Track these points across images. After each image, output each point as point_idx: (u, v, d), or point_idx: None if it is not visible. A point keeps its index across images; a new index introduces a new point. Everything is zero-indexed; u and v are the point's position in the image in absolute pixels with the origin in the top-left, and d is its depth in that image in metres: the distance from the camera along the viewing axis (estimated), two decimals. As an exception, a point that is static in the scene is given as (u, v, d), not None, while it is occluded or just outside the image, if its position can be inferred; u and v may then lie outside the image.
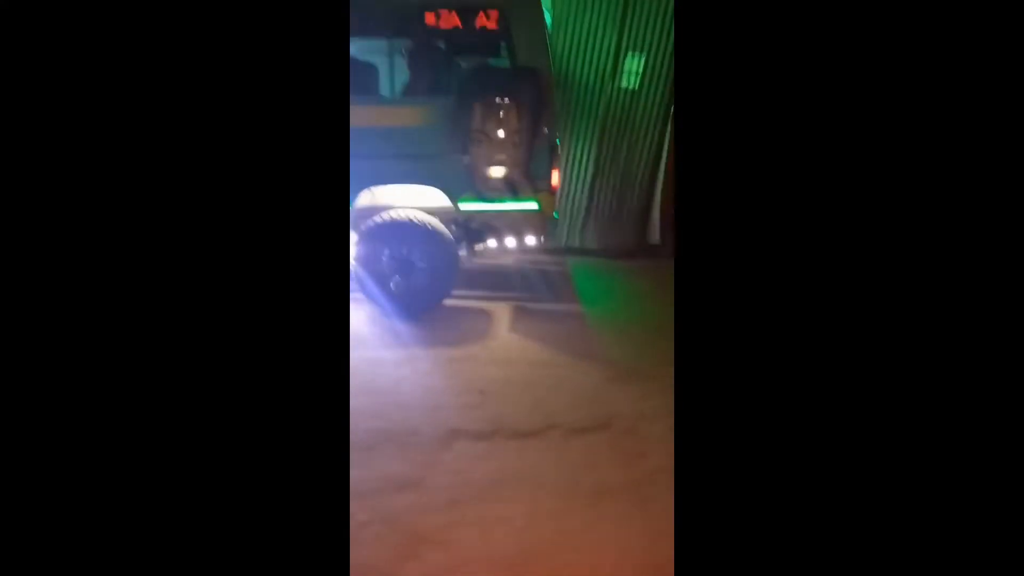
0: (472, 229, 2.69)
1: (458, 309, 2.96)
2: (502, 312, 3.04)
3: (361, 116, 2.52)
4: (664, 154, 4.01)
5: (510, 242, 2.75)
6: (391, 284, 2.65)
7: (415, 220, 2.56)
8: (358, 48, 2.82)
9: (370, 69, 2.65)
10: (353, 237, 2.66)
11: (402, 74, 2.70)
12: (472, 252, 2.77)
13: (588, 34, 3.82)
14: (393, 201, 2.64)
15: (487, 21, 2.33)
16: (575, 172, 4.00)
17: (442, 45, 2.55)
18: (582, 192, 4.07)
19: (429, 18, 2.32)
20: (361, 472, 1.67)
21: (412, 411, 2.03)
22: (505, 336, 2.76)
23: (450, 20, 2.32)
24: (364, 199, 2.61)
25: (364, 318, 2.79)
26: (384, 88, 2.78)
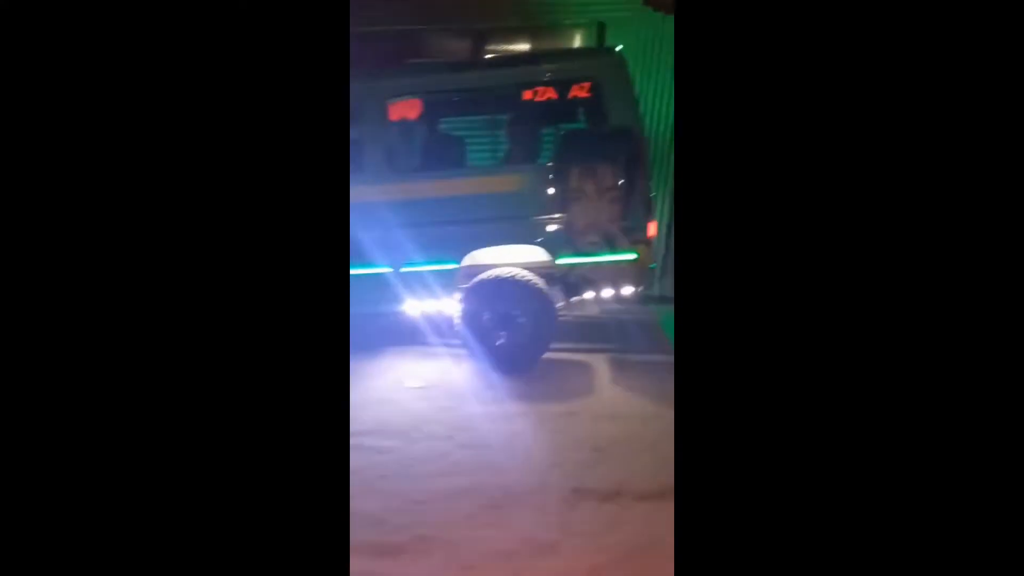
0: (570, 283, 2.76)
1: (558, 362, 2.98)
2: (600, 364, 3.03)
3: (466, 185, 2.75)
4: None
5: (607, 293, 2.79)
6: (496, 340, 2.74)
7: (515, 277, 2.67)
8: (452, 124, 3.11)
9: (459, 142, 2.89)
10: (457, 296, 2.81)
11: (501, 144, 2.93)
12: (569, 305, 2.83)
13: (657, 92, 3.98)
14: (494, 260, 2.79)
15: (580, 91, 2.51)
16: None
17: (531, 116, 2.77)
18: (661, 242, 4.08)
19: (527, 94, 2.54)
20: (496, 532, 1.68)
21: (531, 468, 2.03)
22: (608, 389, 2.73)
23: (546, 94, 2.52)
24: (468, 260, 2.77)
25: (467, 373, 2.88)
26: (485, 159, 3.01)
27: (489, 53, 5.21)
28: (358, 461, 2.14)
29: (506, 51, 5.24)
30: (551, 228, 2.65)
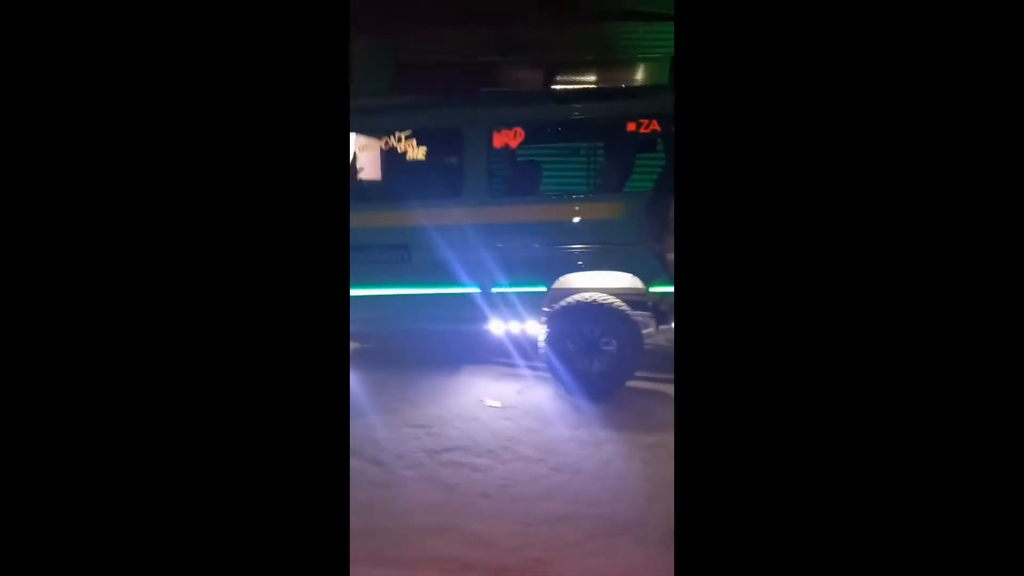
0: (661, 311, 2.75)
1: (640, 391, 2.95)
2: (682, 396, 2.97)
3: (563, 211, 2.82)
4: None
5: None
6: (583, 365, 2.74)
7: (601, 302, 2.68)
8: (549, 152, 3.18)
9: (558, 169, 2.97)
10: (543, 318, 2.84)
11: (598, 172, 2.99)
12: (658, 332, 2.81)
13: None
14: (585, 285, 2.82)
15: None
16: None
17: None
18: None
19: (631, 126, 2.60)
20: (608, 562, 1.65)
21: (630, 500, 1.99)
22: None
23: (651, 126, 2.58)
24: (559, 284, 2.81)
25: (546, 395, 2.88)
26: (580, 186, 3.07)
27: (560, 84, 5.39)
28: (454, 477, 2.17)
29: (577, 83, 5.41)
30: (646, 256, 2.66)
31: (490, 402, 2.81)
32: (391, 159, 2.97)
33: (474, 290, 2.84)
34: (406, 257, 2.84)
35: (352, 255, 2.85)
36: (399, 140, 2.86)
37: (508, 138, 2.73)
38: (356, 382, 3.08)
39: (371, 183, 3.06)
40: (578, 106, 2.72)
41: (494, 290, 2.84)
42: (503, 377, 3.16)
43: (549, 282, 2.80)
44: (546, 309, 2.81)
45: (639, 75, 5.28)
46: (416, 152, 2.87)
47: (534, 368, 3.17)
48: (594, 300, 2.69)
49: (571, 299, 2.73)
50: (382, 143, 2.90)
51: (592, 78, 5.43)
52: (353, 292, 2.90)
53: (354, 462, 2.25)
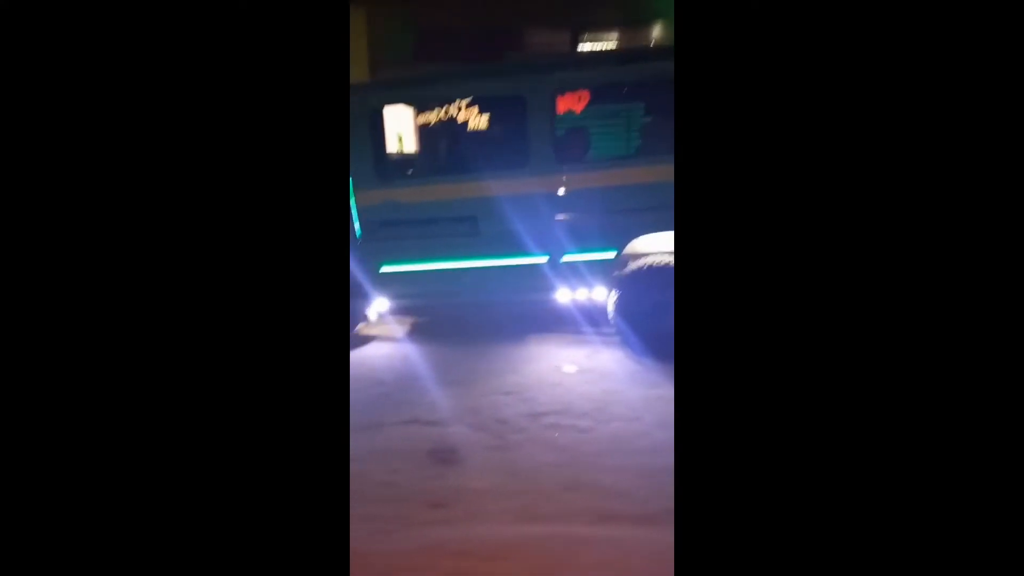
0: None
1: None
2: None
3: (628, 175, 2.82)
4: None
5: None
6: (654, 326, 2.81)
7: (667, 266, 2.73)
8: (596, 115, 3.12)
9: (584, 133, 2.93)
10: (613, 283, 2.88)
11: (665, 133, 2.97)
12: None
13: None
14: (651, 248, 2.85)
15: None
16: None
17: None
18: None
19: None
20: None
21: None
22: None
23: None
24: (629, 248, 2.85)
25: (615, 358, 2.96)
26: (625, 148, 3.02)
27: (585, 44, 5.26)
28: (562, 439, 2.25)
29: (602, 43, 5.28)
30: None
31: (567, 368, 2.88)
32: (452, 130, 2.91)
33: (543, 259, 2.86)
34: (473, 230, 2.84)
35: (417, 230, 2.83)
36: (459, 109, 2.80)
37: (572, 102, 2.69)
38: (428, 355, 3.13)
39: (431, 155, 3.01)
40: (642, 67, 2.68)
41: (564, 259, 2.86)
42: (569, 344, 3.23)
43: (620, 247, 2.83)
44: (616, 274, 2.85)
45: (664, 36, 5.18)
46: (478, 121, 2.82)
47: (601, 333, 3.24)
48: (667, 263, 2.73)
49: (643, 262, 2.77)
50: (442, 113, 2.84)
51: (616, 39, 5.31)
52: (418, 267, 2.90)
53: (461, 429, 2.32)
